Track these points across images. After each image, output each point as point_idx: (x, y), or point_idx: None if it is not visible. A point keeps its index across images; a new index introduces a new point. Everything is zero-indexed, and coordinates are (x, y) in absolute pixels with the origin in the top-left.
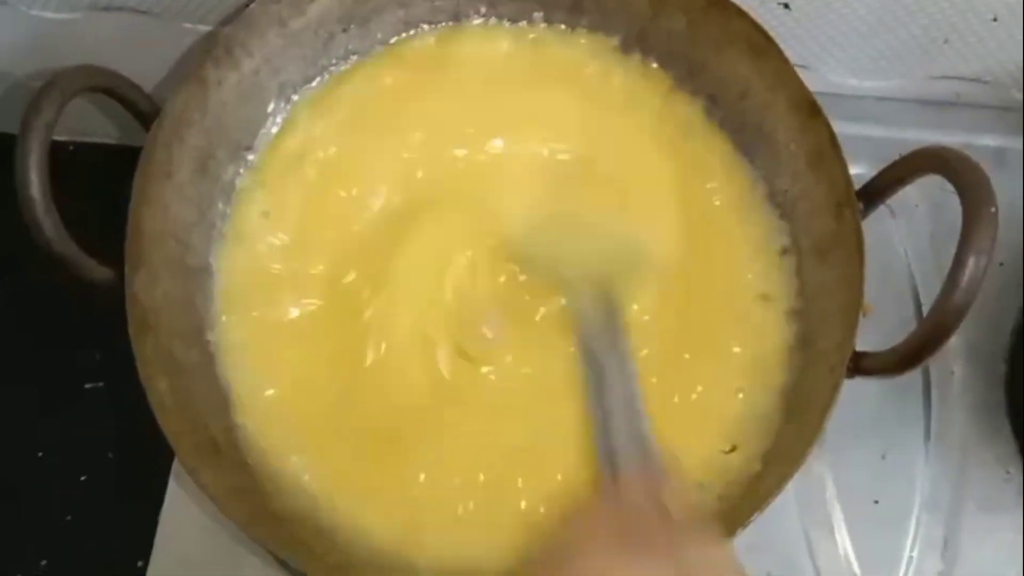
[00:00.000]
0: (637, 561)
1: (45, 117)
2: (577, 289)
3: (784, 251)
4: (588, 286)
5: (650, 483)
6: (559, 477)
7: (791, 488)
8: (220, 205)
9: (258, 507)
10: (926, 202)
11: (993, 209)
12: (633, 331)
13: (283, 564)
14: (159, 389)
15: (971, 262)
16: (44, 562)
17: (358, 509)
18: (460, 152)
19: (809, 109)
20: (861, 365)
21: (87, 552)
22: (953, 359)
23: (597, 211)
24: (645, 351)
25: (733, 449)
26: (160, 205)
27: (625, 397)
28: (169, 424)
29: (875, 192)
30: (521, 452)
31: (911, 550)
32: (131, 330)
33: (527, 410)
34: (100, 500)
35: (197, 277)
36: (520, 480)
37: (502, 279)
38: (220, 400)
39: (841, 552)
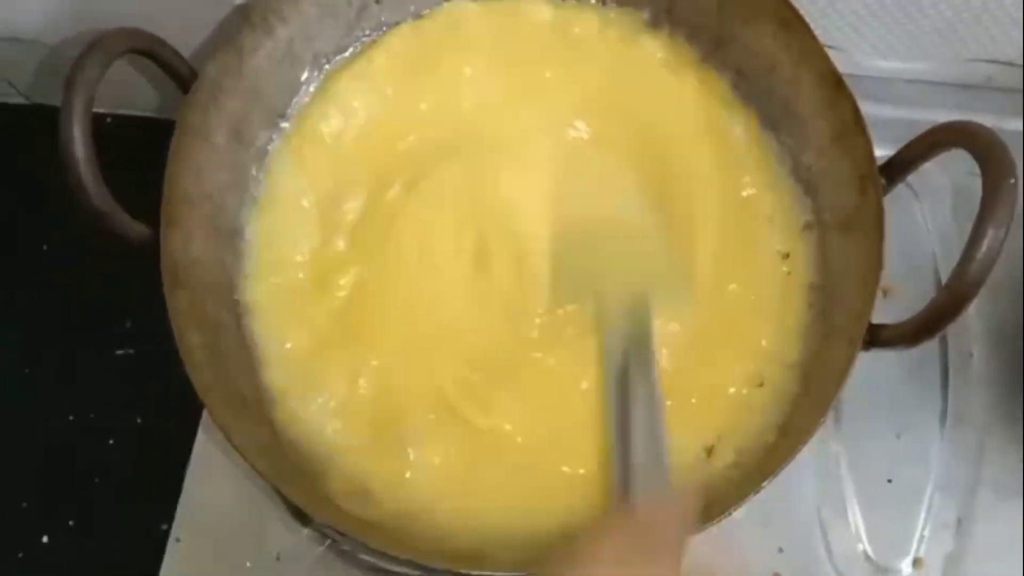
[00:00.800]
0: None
1: (89, 75)
2: (610, 306)
3: (807, 226)
4: (622, 303)
5: (661, 505)
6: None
7: (806, 466)
8: (253, 170)
9: (284, 461)
10: (950, 185)
11: (1013, 180)
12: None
13: (308, 519)
14: (191, 343)
15: (990, 233)
16: (71, 522)
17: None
18: (487, 127)
19: (834, 84)
20: (878, 337)
21: (113, 514)
22: (973, 341)
23: (633, 208)
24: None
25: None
26: (195, 166)
27: (649, 425)
28: (200, 378)
29: (898, 167)
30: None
31: (923, 529)
32: (165, 284)
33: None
34: (128, 464)
35: (229, 238)
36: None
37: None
38: (248, 357)
39: (853, 530)
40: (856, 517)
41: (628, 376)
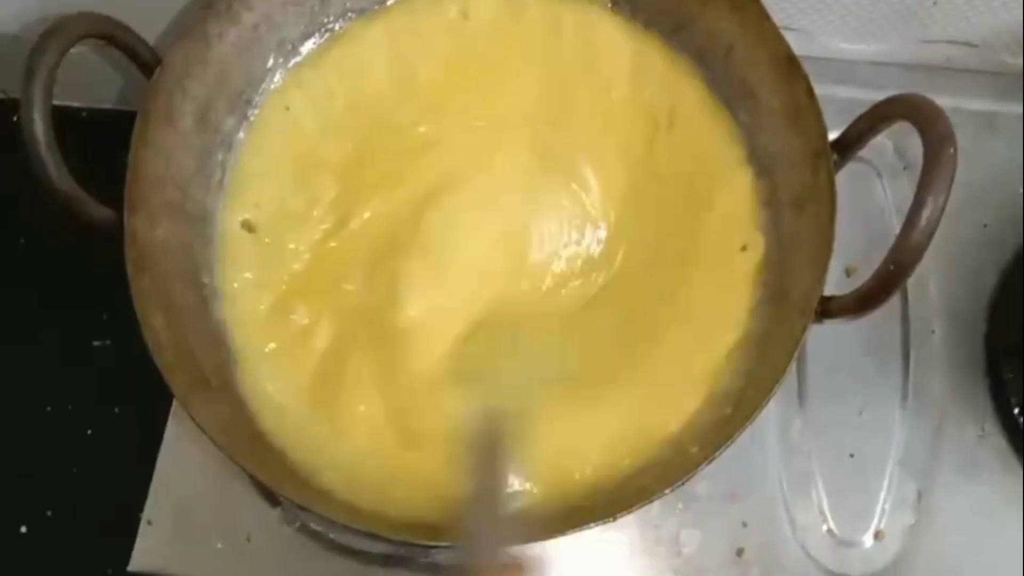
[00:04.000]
0: None
1: (49, 60)
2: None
3: (764, 204)
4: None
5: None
6: None
7: (771, 441)
8: (220, 155)
9: (250, 439)
10: (912, 165)
11: (952, 149)
12: (612, 283)
13: (277, 500)
14: (155, 325)
15: (929, 201)
16: (50, 512)
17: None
18: (449, 122)
19: (788, 64)
20: (828, 308)
21: (92, 503)
22: (934, 318)
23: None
24: (622, 304)
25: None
26: (161, 151)
27: (491, 512)
28: (163, 357)
29: (849, 143)
30: None
31: (884, 503)
32: (129, 267)
33: None
34: (105, 453)
35: (196, 223)
36: None
37: None
38: (214, 340)
39: (816, 504)
40: (819, 492)
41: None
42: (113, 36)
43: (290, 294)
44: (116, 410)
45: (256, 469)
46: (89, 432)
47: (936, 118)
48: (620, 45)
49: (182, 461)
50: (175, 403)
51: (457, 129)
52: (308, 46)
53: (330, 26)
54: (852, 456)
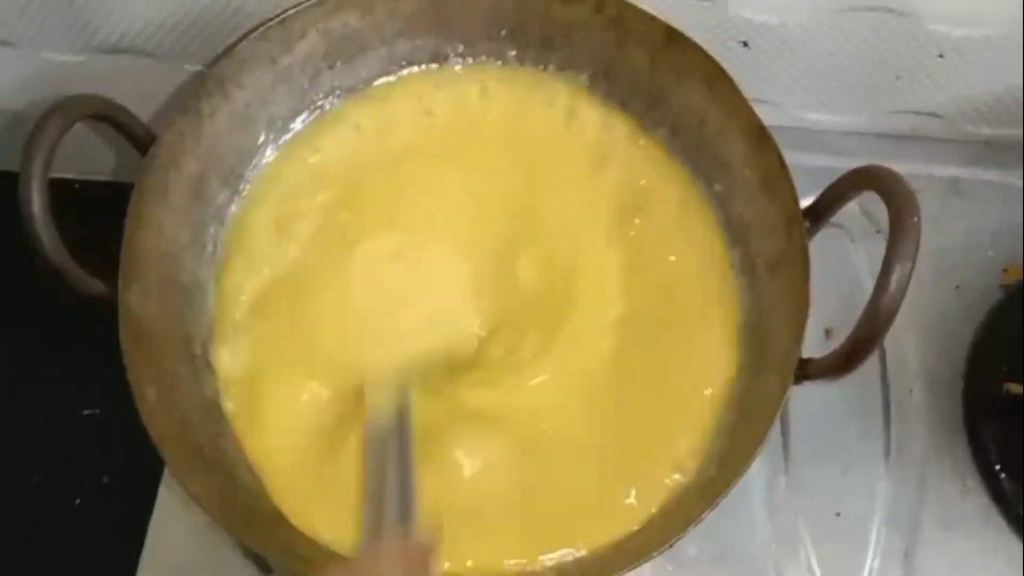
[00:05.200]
0: None
1: (47, 137)
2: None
3: (739, 270)
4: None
5: (408, 552)
6: None
7: (758, 502)
8: (212, 228)
9: (244, 510)
10: (884, 230)
11: (916, 218)
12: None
13: (269, 568)
14: (148, 396)
15: (897, 268)
16: None
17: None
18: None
19: (759, 134)
20: (805, 371)
21: (79, 574)
22: (912, 379)
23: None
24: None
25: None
26: (155, 225)
27: (401, 473)
28: (156, 429)
29: (820, 210)
30: None
31: (872, 561)
32: (122, 339)
33: None
34: (94, 524)
35: (188, 294)
36: None
37: None
38: (206, 409)
39: (804, 563)
40: (808, 551)
41: (388, 439)
42: (110, 116)
43: (281, 362)
44: (105, 480)
45: (249, 539)
46: (77, 502)
47: (899, 188)
48: (596, 125)
49: (173, 530)
50: (165, 474)
51: (427, 218)
52: (297, 123)
53: (319, 104)
54: (838, 514)
